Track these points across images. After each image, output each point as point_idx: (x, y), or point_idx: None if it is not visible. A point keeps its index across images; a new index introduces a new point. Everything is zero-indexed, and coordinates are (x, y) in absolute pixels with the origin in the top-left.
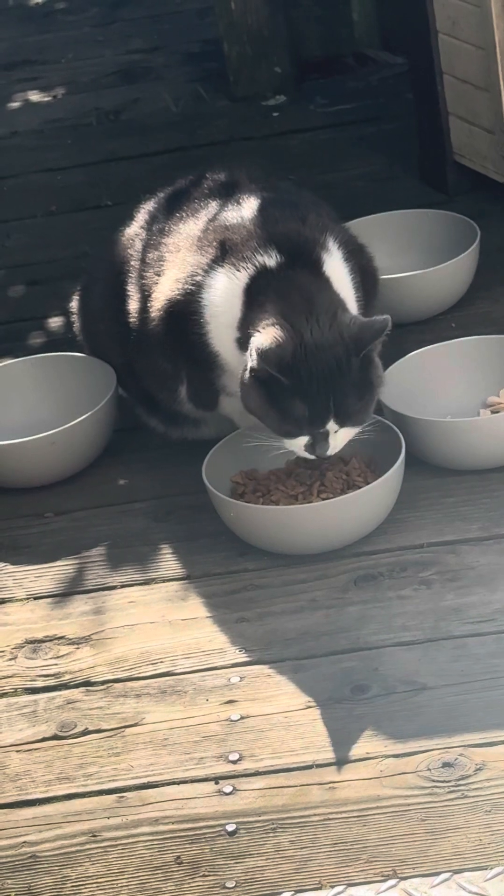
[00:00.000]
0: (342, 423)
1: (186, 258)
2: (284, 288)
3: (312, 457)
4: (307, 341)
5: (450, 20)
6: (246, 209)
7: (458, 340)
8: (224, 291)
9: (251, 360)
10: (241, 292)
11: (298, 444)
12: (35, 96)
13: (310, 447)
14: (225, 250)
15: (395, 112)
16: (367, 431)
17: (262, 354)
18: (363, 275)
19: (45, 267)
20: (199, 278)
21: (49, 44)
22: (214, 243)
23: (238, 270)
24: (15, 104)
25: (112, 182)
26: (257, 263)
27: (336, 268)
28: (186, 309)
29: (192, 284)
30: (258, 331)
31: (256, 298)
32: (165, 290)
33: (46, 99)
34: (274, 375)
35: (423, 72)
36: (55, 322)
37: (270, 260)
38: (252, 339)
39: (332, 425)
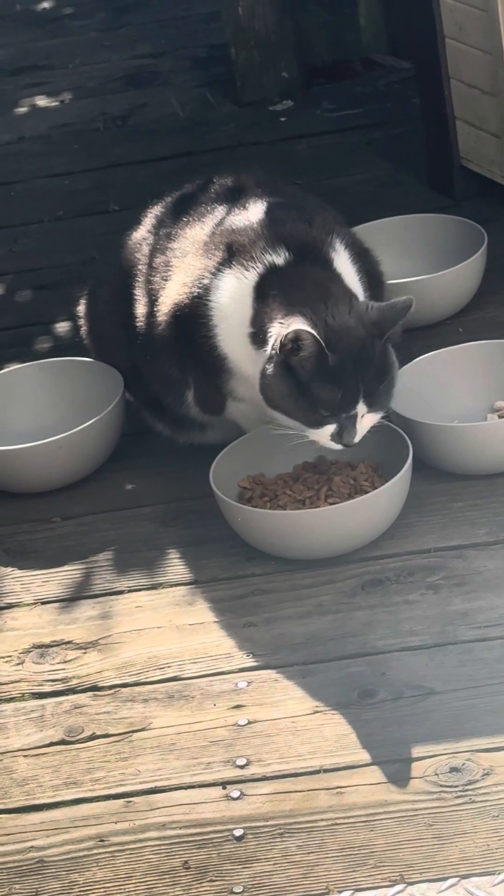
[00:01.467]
0: (370, 405)
1: (193, 262)
2: (297, 281)
3: (338, 446)
4: (331, 325)
5: (457, 25)
6: (252, 212)
7: (466, 345)
8: (233, 292)
9: (277, 349)
10: (250, 290)
11: (325, 434)
12: (42, 101)
13: (336, 436)
14: (232, 252)
15: (401, 117)
16: (375, 436)
17: (297, 338)
18: (369, 278)
19: (52, 272)
20: (206, 281)
21: (56, 49)
22: (221, 246)
23: (247, 270)
24: (22, 109)
25: (119, 187)
26: (266, 262)
27: (345, 267)
28: (194, 312)
29: (200, 288)
30: (279, 321)
31: (269, 293)
32: (172, 294)
33: (53, 104)
34: (303, 362)
35: (430, 76)
36: (62, 327)
37: (279, 258)
38: (275, 328)
39: (361, 408)
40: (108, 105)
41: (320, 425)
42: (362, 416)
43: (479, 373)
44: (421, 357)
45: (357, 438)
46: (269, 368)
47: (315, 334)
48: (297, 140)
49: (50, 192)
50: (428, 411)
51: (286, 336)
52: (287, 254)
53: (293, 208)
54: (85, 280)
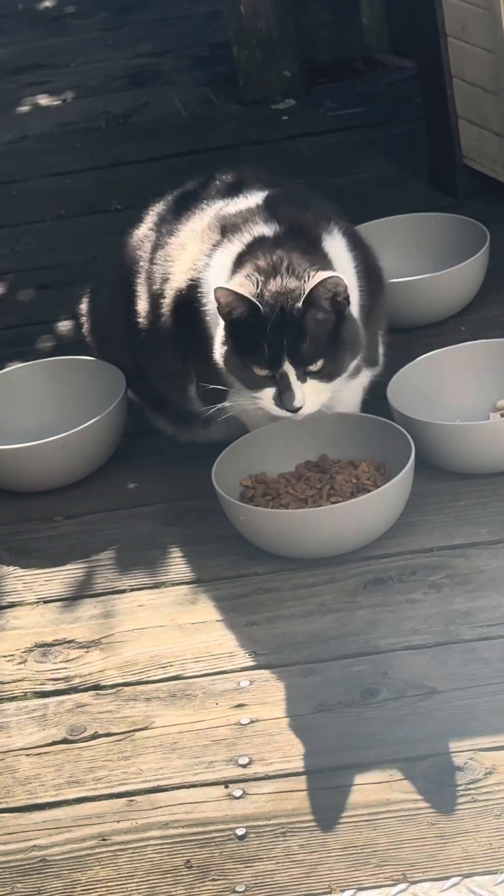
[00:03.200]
0: (296, 365)
1: (191, 249)
2: (272, 248)
3: (283, 412)
4: (269, 286)
5: (459, 24)
6: (251, 200)
7: (468, 344)
8: (219, 266)
9: (218, 310)
10: (231, 262)
11: (268, 398)
12: (44, 100)
13: (277, 399)
14: (225, 232)
15: (404, 116)
16: (377, 435)
17: (225, 295)
18: (368, 272)
19: (54, 271)
20: (200, 263)
21: (58, 48)
22: (216, 229)
23: (232, 243)
24: (24, 108)
25: (121, 186)
26: (255, 234)
27: (337, 250)
28: (190, 296)
29: (195, 270)
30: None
31: (244, 261)
32: (173, 283)
33: (56, 103)
34: (236, 320)
35: (433, 75)
36: (65, 326)
37: (269, 230)
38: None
39: (288, 368)
40: (111, 104)
41: (259, 387)
42: (302, 382)
43: (481, 372)
44: (423, 356)
45: (298, 403)
46: (221, 333)
47: (237, 291)
48: (300, 139)
49: (52, 191)
50: (430, 410)
51: (215, 293)
52: (278, 227)
53: (292, 197)
54: (87, 279)
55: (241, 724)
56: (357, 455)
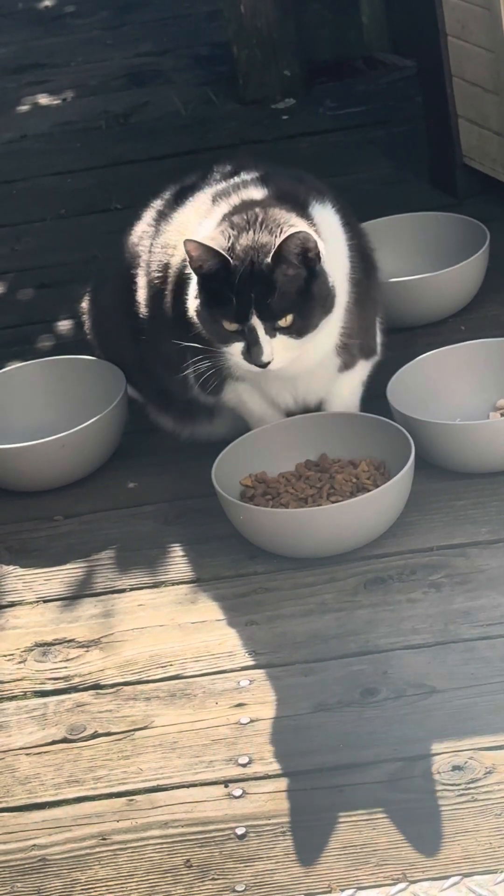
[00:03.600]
0: (264, 319)
1: (188, 229)
2: (252, 206)
3: (252, 366)
4: (241, 240)
5: (459, 23)
6: (246, 177)
7: (468, 343)
8: (205, 231)
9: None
10: (216, 223)
11: (237, 352)
12: (44, 100)
13: (246, 353)
14: (216, 200)
15: (404, 115)
16: (377, 434)
17: (194, 249)
18: (361, 249)
19: (54, 270)
20: (193, 236)
21: (58, 47)
22: (209, 201)
23: (220, 207)
24: (24, 108)
25: (121, 185)
26: (243, 197)
27: (327, 220)
28: (183, 271)
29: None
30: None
31: (225, 218)
32: (172, 264)
33: (56, 102)
34: (207, 273)
35: (433, 75)
36: (65, 325)
37: (258, 195)
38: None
39: (256, 322)
40: (110, 103)
41: (229, 341)
42: (271, 337)
43: (480, 371)
44: (423, 355)
45: (266, 358)
46: (194, 287)
47: (206, 244)
48: (300, 138)
49: (52, 191)
50: (430, 410)
51: (185, 246)
52: (266, 192)
53: (287, 173)
54: (87, 278)
55: (241, 724)
56: (357, 454)
